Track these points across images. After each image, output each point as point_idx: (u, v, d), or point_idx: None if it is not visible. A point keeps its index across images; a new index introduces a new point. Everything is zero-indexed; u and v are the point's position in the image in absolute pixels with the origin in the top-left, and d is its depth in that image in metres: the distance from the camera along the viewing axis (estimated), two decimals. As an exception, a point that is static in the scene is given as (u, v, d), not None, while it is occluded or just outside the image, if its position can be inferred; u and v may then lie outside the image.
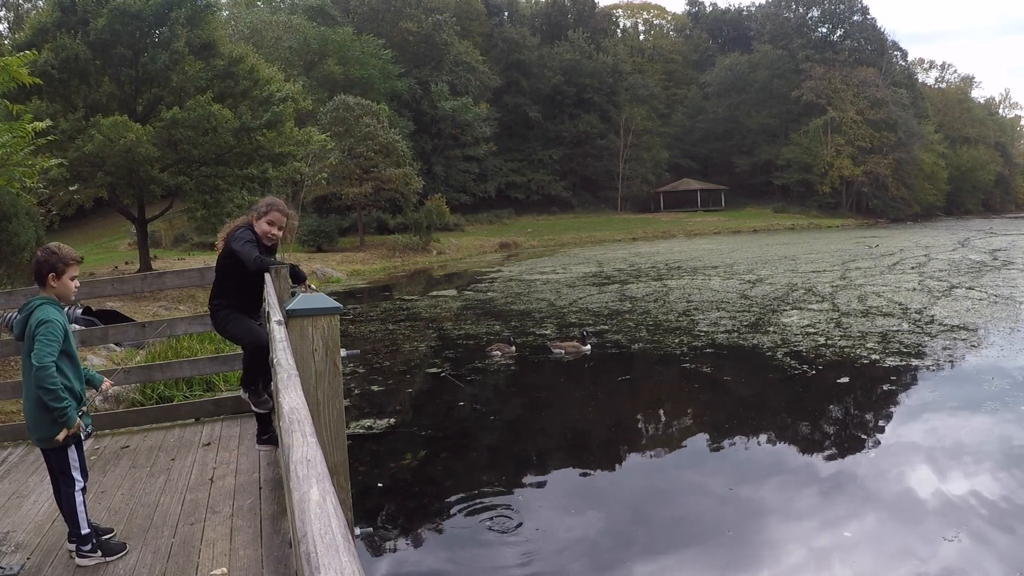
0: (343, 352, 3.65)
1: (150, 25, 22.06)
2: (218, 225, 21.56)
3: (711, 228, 58.35)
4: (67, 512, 3.65)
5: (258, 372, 4.87)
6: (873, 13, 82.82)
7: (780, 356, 11.12)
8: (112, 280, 7.51)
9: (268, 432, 5.12)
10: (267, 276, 4.88)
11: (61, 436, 3.56)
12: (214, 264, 5.15)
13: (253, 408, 5.05)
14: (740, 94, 74.01)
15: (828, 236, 46.45)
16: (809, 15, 78.86)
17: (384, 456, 7.63)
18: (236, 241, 4.73)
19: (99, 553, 3.64)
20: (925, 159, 72.70)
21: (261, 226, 4.87)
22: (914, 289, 17.86)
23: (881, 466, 6.76)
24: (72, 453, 3.64)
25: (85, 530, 3.62)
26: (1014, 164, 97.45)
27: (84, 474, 3.70)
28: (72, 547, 3.69)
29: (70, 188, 19.64)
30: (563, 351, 12.04)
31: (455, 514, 6.17)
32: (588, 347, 12.14)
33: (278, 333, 3.44)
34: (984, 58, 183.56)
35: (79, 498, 3.63)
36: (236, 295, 4.94)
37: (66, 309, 10.30)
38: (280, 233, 4.96)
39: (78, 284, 3.80)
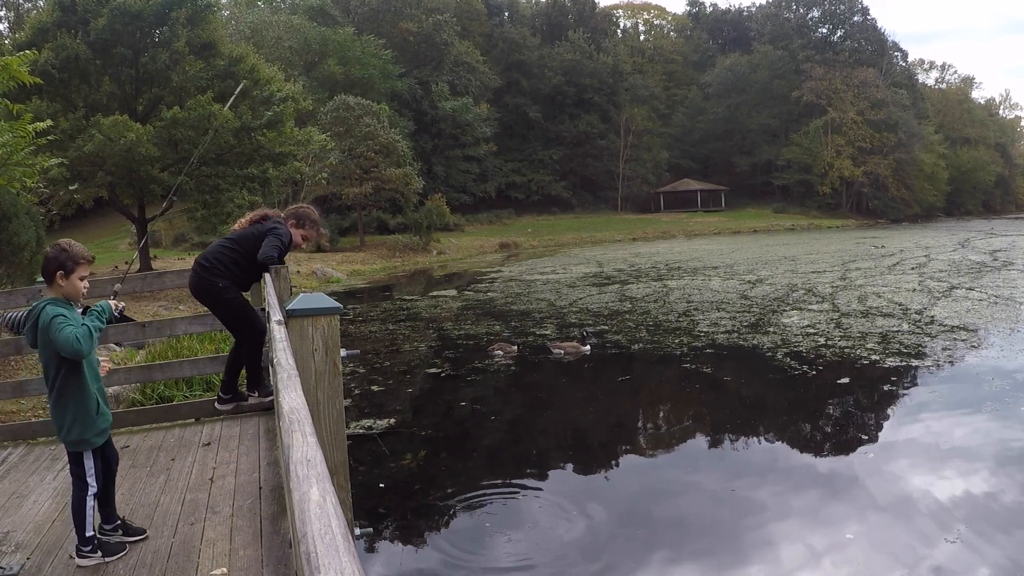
0: (343, 352, 3.65)
1: (150, 25, 22.07)
2: (218, 225, 21.59)
3: (711, 228, 58.33)
4: (75, 513, 3.64)
5: (260, 366, 4.93)
6: (873, 14, 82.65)
7: (780, 356, 11.12)
8: (112, 280, 7.51)
9: (231, 392, 5.21)
10: (267, 276, 4.89)
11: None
12: None
13: (263, 401, 5.12)
14: (740, 94, 73.99)
15: (828, 237, 46.44)
16: (809, 16, 78.84)
17: (384, 456, 7.63)
18: (276, 235, 4.84)
19: (99, 554, 3.63)
20: (925, 160, 72.67)
21: (295, 235, 5.04)
22: (914, 290, 17.86)
23: (881, 467, 6.76)
24: (88, 459, 3.63)
25: (88, 533, 3.61)
26: (1014, 165, 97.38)
27: (99, 479, 3.66)
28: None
29: (70, 188, 19.65)
30: (563, 351, 12.04)
31: (455, 514, 6.17)
32: (588, 347, 12.13)
33: (278, 333, 3.44)
34: (981, 58, 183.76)
35: (89, 503, 3.62)
36: (239, 272, 4.96)
37: None
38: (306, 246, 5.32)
39: (87, 285, 3.70)
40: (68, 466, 3.69)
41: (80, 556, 3.62)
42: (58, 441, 3.79)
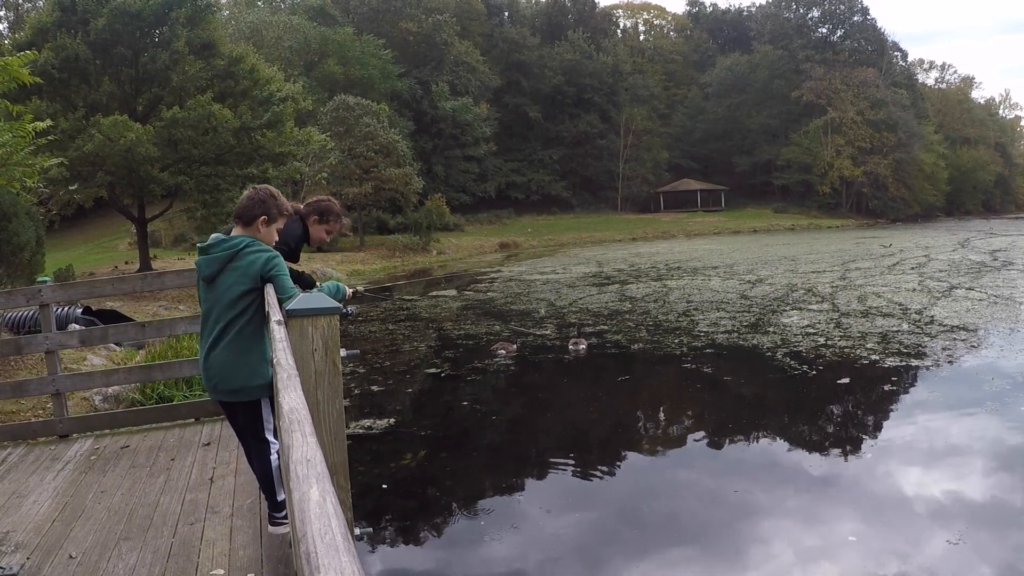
0: (343, 352, 3.65)
1: (150, 25, 22.09)
2: (218, 225, 21.59)
3: (711, 228, 58.31)
4: (261, 477, 3.44)
5: None
6: (873, 13, 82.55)
7: (780, 356, 11.12)
8: (112, 280, 7.52)
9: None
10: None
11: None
12: None
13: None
14: (740, 94, 73.96)
15: (828, 236, 46.44)
16: (809, 15, 78.81)
17: (384, 456, 7.63)
18: (283, 234, 4.65)
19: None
20: (925, 159, 72.63)
21: (318, 232, 4.67)
22: (914, 289, 17.86)
23: (881, 467, 6.76)
24: (267, 408, 3.41)
25: (281, 496, 3.44)
26: (1014, 165, 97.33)
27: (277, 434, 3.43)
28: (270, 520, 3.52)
29: (70, 188, 19.65)
30: (583, 346, 12.26)
31: (455, 514, 6.17)
32: (585, 342, 12.64)
33: (278, 333, 3.44)
34: (981, 58, 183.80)
35: (275, 461, 3.44)
36: None
37: (65, 309, 10.21)
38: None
39: (277, 239, 3.65)
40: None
41: (273, 523, 3.46)
42: (228, 396, 3.46)
